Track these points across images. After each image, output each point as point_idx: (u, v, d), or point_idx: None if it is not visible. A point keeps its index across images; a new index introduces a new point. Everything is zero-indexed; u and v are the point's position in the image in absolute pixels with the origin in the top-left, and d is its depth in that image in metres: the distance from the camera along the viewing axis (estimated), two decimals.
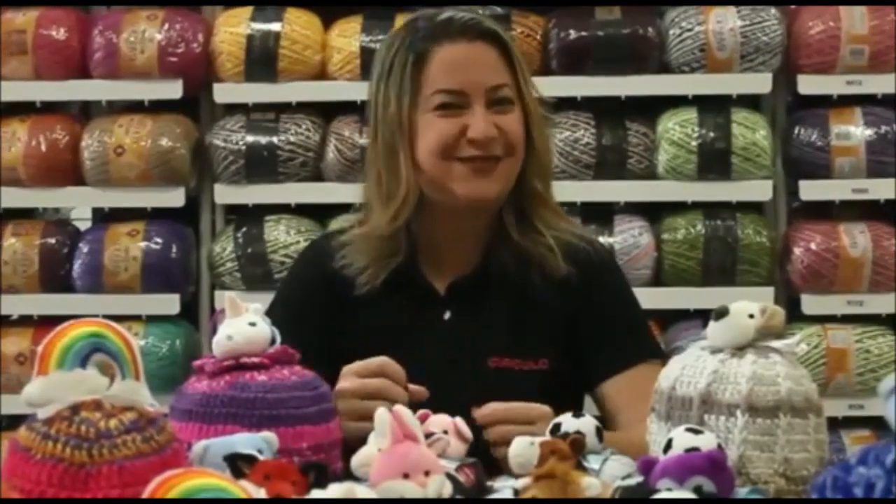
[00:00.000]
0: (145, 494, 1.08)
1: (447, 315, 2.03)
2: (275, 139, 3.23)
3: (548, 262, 2.00)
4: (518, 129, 1.99)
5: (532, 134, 2.01)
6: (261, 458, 1.33)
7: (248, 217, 3.28)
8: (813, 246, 3.12)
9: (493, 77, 1.99)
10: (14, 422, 3.11)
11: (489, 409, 1.77)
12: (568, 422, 1.54)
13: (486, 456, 1.73)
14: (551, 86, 2.81)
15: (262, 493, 1.20)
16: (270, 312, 1.64)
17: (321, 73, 3.27)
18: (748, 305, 1.49)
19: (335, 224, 2.97)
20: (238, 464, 1.31)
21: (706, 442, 1.32)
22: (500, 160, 1.98)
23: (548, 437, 1.51)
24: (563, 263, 2.00)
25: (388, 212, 1.98)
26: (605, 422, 1.92)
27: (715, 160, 3.14)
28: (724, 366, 1.46)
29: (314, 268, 2.09)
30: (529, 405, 1.77)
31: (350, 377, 1.81)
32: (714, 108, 3.19)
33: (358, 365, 1.82)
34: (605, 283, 2.07)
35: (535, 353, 1.99)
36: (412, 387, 1.81)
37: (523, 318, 2.01)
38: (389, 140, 1.98)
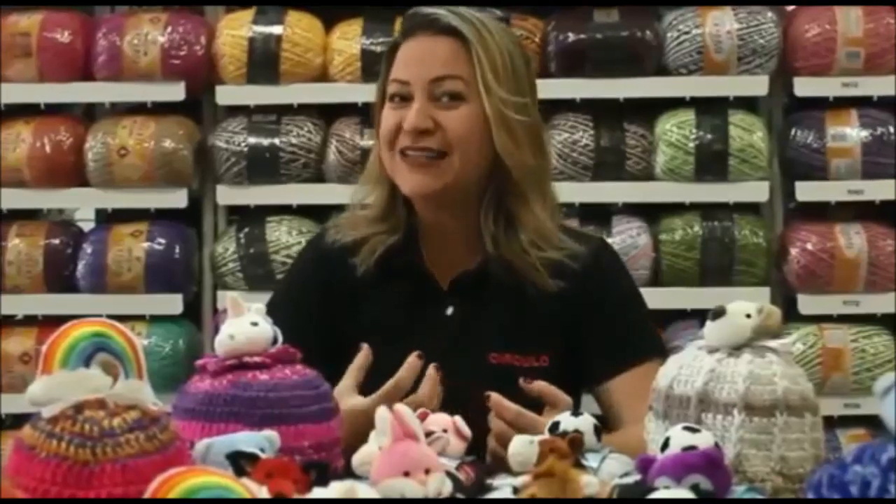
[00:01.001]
0: (148, 493, 1.09)
1: (450, 310, 2.03)
2: (276, 141, 3.24)
3: (536, 279, 2.00)
4: (462, 126, 1.95)
5: (496, 138, 1.96)
6: (263, 456, 1.34)
7: (250, 218, 3.28)
8: (809, 246, 3.12)
9: (438, 69, 1.96)
10: (18, 421, 3.12)
11: (506, 403, 1.76)
12: (566, 420, 1.54)
13: (484, 452, 1.75)
14: (550, 88, 2.84)
15: (264, 492, 1.20)
16: (272, 304, 1.64)
17: (322, 76, 3.27)
18: (745, 305, 1.49)
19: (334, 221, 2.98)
20: (240, 462, 1.31)
21: (703, 440, 1.33)
22: (441, 156, 1.95)
23: (546, 435, 1.51)
24: (553, 280, 1.99)
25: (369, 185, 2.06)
26: (608, 420, 1.93)
27: (712, 161, 3.14)
28: (721, 365, 1.47)
29: (314, 257, 2.11)
30: (539, 421, 1.74)
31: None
32: (711, 109, 3.18)
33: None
34: (606, 282, 2.06)
35: (535, 350, 1.99)
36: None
37: (525, 315, 2.01)
38: (375, 133, 2.04)
